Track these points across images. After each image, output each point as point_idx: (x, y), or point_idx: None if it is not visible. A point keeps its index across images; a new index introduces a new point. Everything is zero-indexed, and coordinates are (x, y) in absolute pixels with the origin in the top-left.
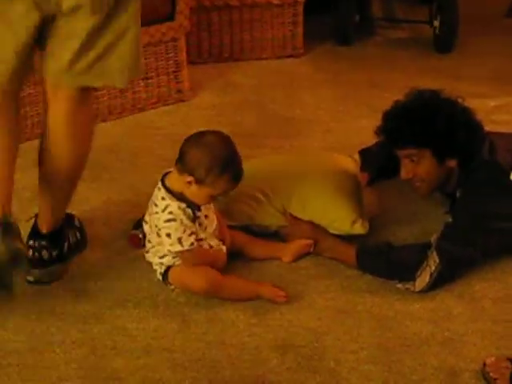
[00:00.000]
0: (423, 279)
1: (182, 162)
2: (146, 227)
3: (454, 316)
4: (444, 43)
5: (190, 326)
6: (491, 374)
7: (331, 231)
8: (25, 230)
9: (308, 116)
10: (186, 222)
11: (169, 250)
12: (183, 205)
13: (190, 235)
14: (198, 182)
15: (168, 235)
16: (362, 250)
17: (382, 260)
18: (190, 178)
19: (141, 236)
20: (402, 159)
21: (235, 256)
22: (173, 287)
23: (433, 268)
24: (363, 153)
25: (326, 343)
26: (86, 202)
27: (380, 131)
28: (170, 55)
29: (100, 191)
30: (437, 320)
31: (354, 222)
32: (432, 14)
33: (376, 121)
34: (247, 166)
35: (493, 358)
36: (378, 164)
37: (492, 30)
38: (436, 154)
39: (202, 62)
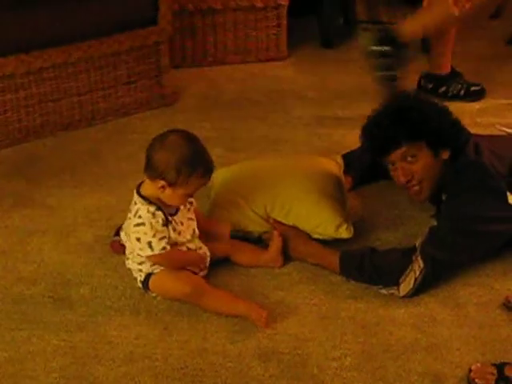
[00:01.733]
0: (407, 284)
1: (150, 168)
2: (121, 234)
3: (438, 321)
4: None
5: (172, 333)
6: (477, 381)
7: (315, 236)
8: None
9: (292, 120)
10: (156, 225)
11: (138, 255)
12: (152, 208)
13: (161, 239)
14: (171, 185)
15: (138, 239)
16: (345, 256)
17: (366, 265)
18: (161, 183)
19: (122, 242)
20: (396, 164)
21: (220, 262)
22: (154, 294)
23: (417, 273)
24: (346, 156)
25: (310, 350)
26: (68, 207)
27: (367, 141)
28: (153, 59)
29: (82, 197)
30: (421, 326)
31: (338, 226)
32: None
33: (362, 124)
34: (228, 170)
35: (478, 364)
36: (362, 168)
37: (476, 32)
38: (431, 144)
39: (185, 66)
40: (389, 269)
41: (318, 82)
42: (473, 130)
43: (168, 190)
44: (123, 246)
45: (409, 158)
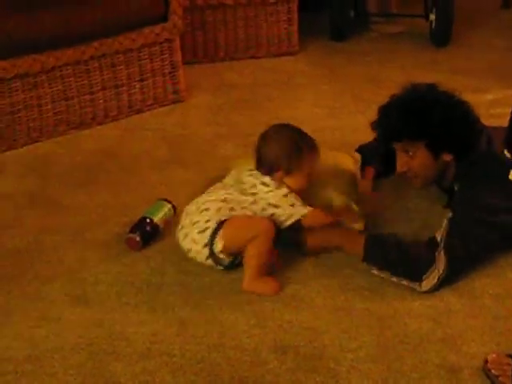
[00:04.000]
0: (431, 281)
1: (264, 165)
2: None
3: (453, 313)
4: (440, 37)
5: (189, 329)
6: (493, 371)
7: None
8: None
9: (304, 113)
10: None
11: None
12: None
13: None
14: (287, 172)
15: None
16: (371, 240)
17: (392, 256)
18: (279, 174)
19: (138, 239)
20: (397, 152)
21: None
22: (220, 246)
23: (441, 271)
24: (362, 149)
25: (325, 342)
26: (82, 205)
27: (375, 126)
28: (165, 56)
29: (97, 194)
30: (436, 317)
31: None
32: (427, 8)
33: (373, 116)
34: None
35: (494, 355)
36: (381, 157)
37: (488, 22)
38: (431, 147)
39: (197, 62)
40: (413, 263)
41: (330, 75)
42: (486, 121)
43: (287, 179)
44: (139, 243)
45: (408, 152)
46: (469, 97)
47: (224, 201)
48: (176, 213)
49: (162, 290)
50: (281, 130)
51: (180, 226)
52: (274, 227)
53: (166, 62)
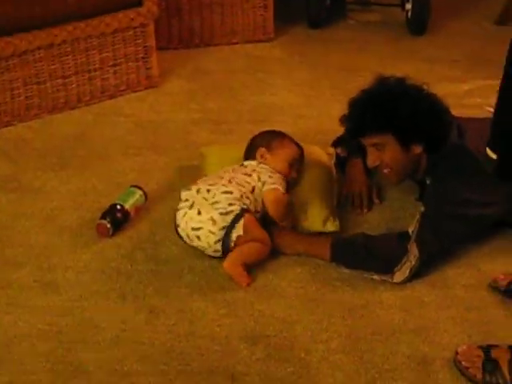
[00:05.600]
0: (403, 273)
1: (250, 149)
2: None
3: (425, 303)
4: (417, 26)
5: (159, 317)
6: (463, 363)
7: (300, 230)
8: None
9: (279, 101)
10: None
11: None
12: None
13: None
14: (268, 149)
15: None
16: (336, 243)
17: (359, 252)
18: (261, 150)
19: (109, 226)
20: (368, 148)
21: None
22: (237, 234)
23: (413, 262)
24: (343, 142)
25: (296, 333)
26: (54, 190)
27: (344, 120)
28: (139, 41)
29: (69, 180)
30: (408, 308)
31: (325, 221)
32: None
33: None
34: (222, 149)
35: (464, 347)
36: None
37: (467, 10)
38: (399, 139)
39: (171, 48)
40: (383, 257)
41: (306, 62)
42: (459, 112)
43: (268, 156)
44: (109, 229)
45: (378, 146)
46: (445, 86)
47: (240, 185)
48: (147, 199)
49: (132, 277)
50: (267, 130)
51: (186, 204)
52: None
53: (140, 48)
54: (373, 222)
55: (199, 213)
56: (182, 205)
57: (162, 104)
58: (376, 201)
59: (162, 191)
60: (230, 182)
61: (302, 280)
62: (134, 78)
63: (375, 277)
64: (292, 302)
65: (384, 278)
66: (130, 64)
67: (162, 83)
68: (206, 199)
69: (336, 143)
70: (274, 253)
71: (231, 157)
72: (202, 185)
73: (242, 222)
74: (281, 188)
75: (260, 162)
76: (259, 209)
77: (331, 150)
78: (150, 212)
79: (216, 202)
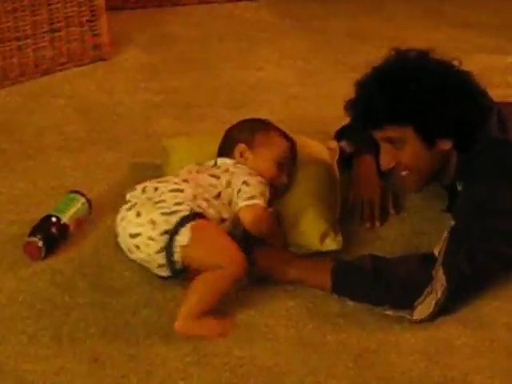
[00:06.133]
0: (426, 307)
1: (225, 145)
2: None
3: (455, 348)
4: None
5: (105, 366)
6: None
7: (293, 249)
8: None
9: (266, 78)
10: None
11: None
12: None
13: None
14: (250, 145)
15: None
16: (338, 268)
17: (367, 281)
18: (240, 147)
19: (40, 244)
20: (381, 144)
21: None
22: (183, 241)
23: (439, 293)
24: (348, 133)
25: None
26: None
27: (350, 107)
28: None
29: None
30: (433, 354)
31: (324, 237)
32: None
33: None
34: (189, 141)
35: None
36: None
37: None
38: (421, 132)
39: (126, 8)
40: (400, 286)
41: (301, 28)
42: (502, 94)
43: (249, 155)
44: (41, 249)
45: (394, 141)
46: (482, 60)
47: (200, 186)
48: (92, 209)
49: (72, 313)
50: (249, 118)
51: (126, 205)
52: (244, 270)
53: (85, 8)
54: (387, 240)
55: (138, 214)
56: (122, 207)
57: (113, 82)
58: (392, 211)
59: (111, 198)
60: (185, 180)
61: (294, 317)
62: (76, 47)
63: (390, 312)
64: (281, 347)
65: (401, 313)
66: (71, 29)
67: (114, 54)
68: (149, 198)
69: (340, 135)
70: (259, 281)
71: (202, 152)
72: (150, 183)
73: (189, 226)
74: (261, 201)
75: (238, 162)
76: (226, 216)
77: (333, 144)
78: (95, 226)
79: (160, 201)
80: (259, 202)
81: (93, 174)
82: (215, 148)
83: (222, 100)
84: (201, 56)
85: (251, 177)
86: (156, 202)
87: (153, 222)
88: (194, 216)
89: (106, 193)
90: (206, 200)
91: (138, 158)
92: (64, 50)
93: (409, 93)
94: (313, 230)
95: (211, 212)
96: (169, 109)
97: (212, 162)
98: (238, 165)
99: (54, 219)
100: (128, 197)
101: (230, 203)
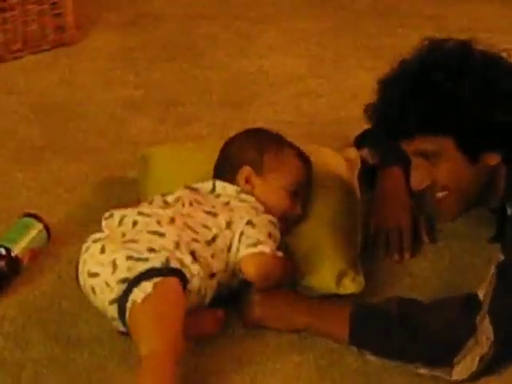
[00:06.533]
0: (468, 365)
1: (225, 165)
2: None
3: None
4: None
5: None
6: None
7: (301, 290)
8: None
9: (270, 68)
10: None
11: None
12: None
13: None
14: (257, 169)
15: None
16: (358, 314)
17: (394, 332)
18: (246, 170)
19: None
20: (412, 158)
21: None
22: (137, 298)
23: (485, 348)
24: (369, 140)
25: None
26: None
27: (372, 112)
28: None
29: None
30: None
31: (340, 276)
32: None
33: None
34: (174, 152)
35: None
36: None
37: None
38: (464, 144)
39: None
40: (436, 338)
41: (315, 3)
42: None
43: (256, 181)
44: None
45: (429, 155)
46: None
47: (189, 228)
48: (50, 238)
49: (24, 372)
50: (254, 130)
51: (96, 236)
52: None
53: None
54: (419, 277)
55: (103, 250)
56: (91, 236)
57: (79, 74)
58: (425, 239)
59: (75, 223)
60: (172, 221)
61: (302, 376)
62: (34, 30)
63: (422, 371)
64: None
65: (437, 373)
66: (27, 8)
67: (82, 39)
68: (124, 235)
69: (361, 141)
70: (259, 332)
71: (192, 165)
72: (131, 212)
73: (153, 281)
74: (269, 246)
75: (242, 191)
76: (217, 269)
77: (353, 154)
78: (55, 259)
79: (132, 241)
80: (266, 248)
81: (52, 192)
82: (208, 159)
83: (216, 97)
84: (188, 41)
85: (257, 214)
86: (127, 241)
87: (114, 265)
88: (167, 272)
89: (68, 216)
90: (193, 251)
91: (110, 171)
92: (19, 34)
93: (447, 95)
94: (327, 268)
95: (195, 268)
96: (149, 108)
97: (209, 185)
98: (243, 195)
99: (2, 251)
100: (103, 224)
101: (228, 248)
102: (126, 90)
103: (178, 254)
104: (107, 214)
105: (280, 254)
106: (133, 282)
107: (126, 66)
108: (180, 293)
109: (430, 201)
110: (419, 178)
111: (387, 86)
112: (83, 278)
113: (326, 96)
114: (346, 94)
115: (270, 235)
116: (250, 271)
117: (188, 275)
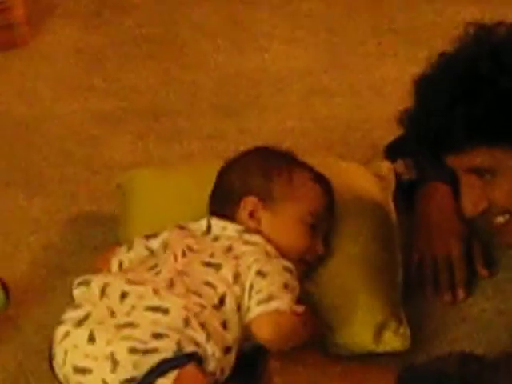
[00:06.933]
0: None
1: (228, 201)
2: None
3: None
4: None
5: None
6: None
7: (336, 352)
8: None
9: (272, 63)
10: None
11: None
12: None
13: None
14: (264, 199)
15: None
16: (407, 379)
17: None
18: (250, 202)
19: None
20: (460, 176)
21: None
22: None
23: None
24: (397, 150)
25: None
26: None
27: (409, 119)
28: None
29: None
30: None
31: (380, 329)
32: None
33: (412, 67)
34: (158, 175)
35: None
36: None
37: None
38: None
39: None
40: None
41: None
42: None
43: (263, 214)
44: None
45: (484, 171)
46: None
47: (190, 291)
48: (10, 301)
49: None
50: (258, 149)
51: (74, 314)
52: None
53: None
54: (478, 321)
55: (92, 339)
56: (66, 315)
57: (35, 82)
58: (483, 272)
59: (40, 280)
60: (171, 284)
61: None
62: None
63: None
64: None
65: None
66: None
67: (35, 38)
68: (112, 313)
69: (393, 152)
70: None
71: (182, 194)
72: (116, 279)
73: (171, 376)
74: (284, 301)
75: (246, 230)
76: (231, 342)
77: (385, 168)
78: (16, 328)
79: (130, 325)
80: (282, 304)
81: (11, 235)
82: (202, 185)
83: (206, 103)
84: (167, 32)
85: (268, 260)
86: (122, 326)
87: (113, 360)
88: (182, 360)
89: (32, 267)
90: (203, 323)
91: (80, 205)
92: None
93: (505, 95)
94: (362, 320)
95: (211, 348)
96: (124, 121)
97: (203, 226)
98: (247, 235)
99: None
100: (76, 293)
101: (238, 307)
102: (94, 99)
103: (189, 332)
104: (81, 280)
105: (300, 308)
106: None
107: (91, 69)
108: (202, 380)
109: (489, 225)
110: (473, 200)
111: (427, 87)
112: (64, 372)
113: (342, 94)
114: (368, 90)
115: (285, 286)
116: (263, 335)
117: (203, 355)
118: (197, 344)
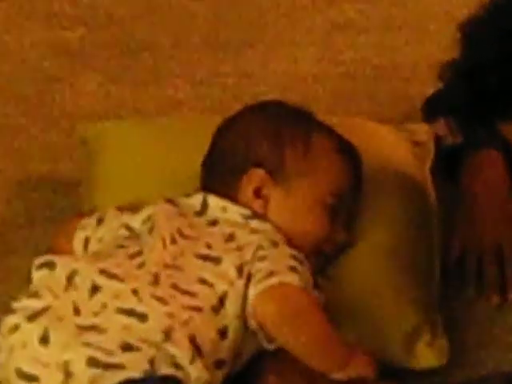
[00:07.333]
0: None
1: (227, 173)
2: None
3: None
4: None
5: None
6: None
7: None
8: None
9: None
10: None
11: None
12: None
13: None
14: (275, 174)
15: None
16: None
17: None
18: (256, 176)
19: None
20: None
21: None
22: None
23: None
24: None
25: None
26: None
27: (456, 76)
28: None
29: None
30: None
31: (411, 339)
32: None
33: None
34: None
35: None
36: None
37: None
38: None
39: None
40: None
41: None
42: None
43: (272, 192)
44: None
45: None
46: None
47: (181, 291)
48: None
49: None
50: (265, 105)
51: (27, 304)
52: None
53: None
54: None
55: (44, 340)
56: (19, 304)
57: None
58: None
59: None
60: (156, 280)
61: None
62: None
63: None
64: None
65: None
66: None
67: None
68: (77, 310)
69: (434, 109)
70: None
71: (162, 156)
72: (87, 266)
73: None
74: (292, 277)
75: (253, 215)
76: (226, 354)
77: (423, 131)
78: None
79: (96, 328)
80: (287, 278)
81: None
82: (192, 146)
83: (200, 38)
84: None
85: (275, 245)
86: (86, 328)
87: (67, 371)
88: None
89: None
90: (192, 335)
91: (36, 164)
92: None
93: None
94: (387, 327)
95: (195, 371)
96: (94, 57)
97: (197, 203)
98: (255, 222)
99: None
100: (36, 277)
101: (243, 310)
102: (54, 28)
103: (169, 348)
104: (43, 261)
105: (316, 294)
106: None
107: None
108: None
109: None
110: None
111: (477, 36)
112: (7, 374)
113: (371, 30)
114: (404, 28)
115: (292, 269)
116: (269, 311)
117: (183, 380)
118: (176, 365)
